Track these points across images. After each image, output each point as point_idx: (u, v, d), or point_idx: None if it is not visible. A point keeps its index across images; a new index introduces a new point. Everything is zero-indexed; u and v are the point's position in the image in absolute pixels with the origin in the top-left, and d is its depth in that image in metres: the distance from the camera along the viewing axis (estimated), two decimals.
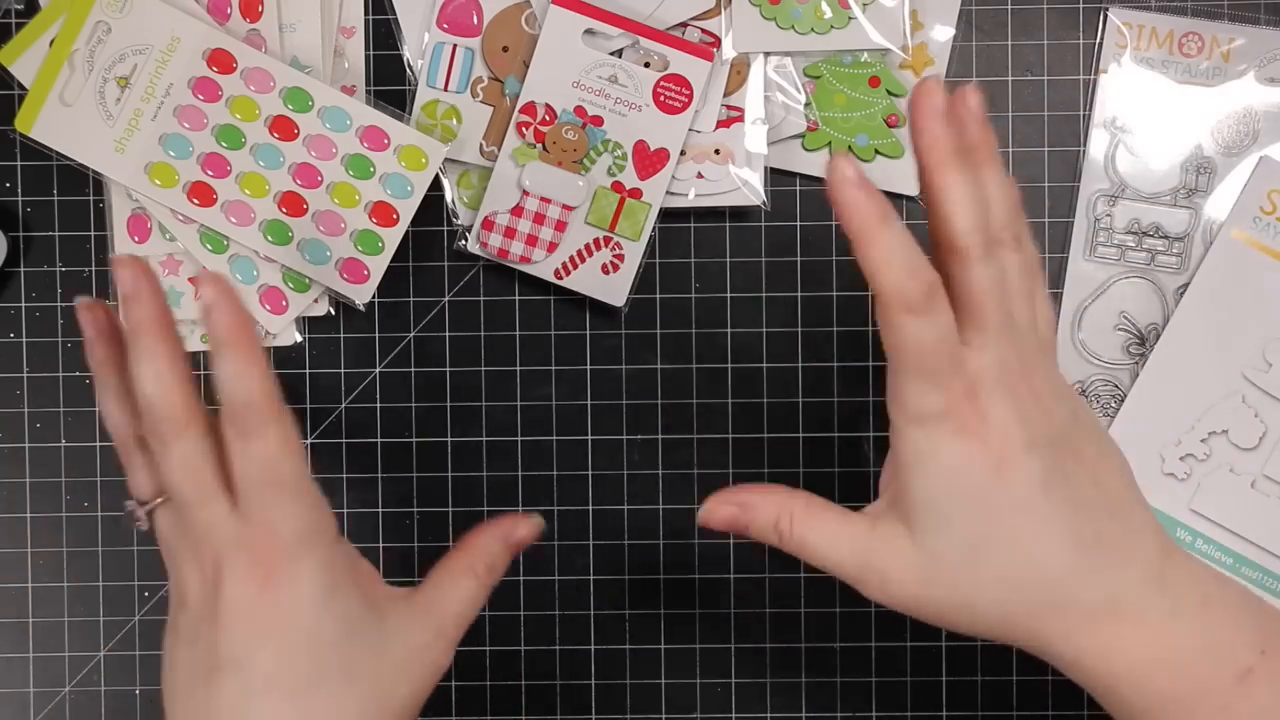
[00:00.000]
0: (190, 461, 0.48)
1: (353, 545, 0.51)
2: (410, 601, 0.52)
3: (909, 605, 0.50)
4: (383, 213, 0.61)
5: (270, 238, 0.61)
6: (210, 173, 0.61)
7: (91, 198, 0.63)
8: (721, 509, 0.52)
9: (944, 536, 0.48)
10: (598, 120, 0.61)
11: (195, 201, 0.61)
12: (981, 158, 0.49)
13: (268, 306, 0.62)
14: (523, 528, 0.55)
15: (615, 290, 0.62)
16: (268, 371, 0.48)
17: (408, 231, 0.61)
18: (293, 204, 0.61)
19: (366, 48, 0.63)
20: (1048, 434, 0.48)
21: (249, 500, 0.49)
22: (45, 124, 0.60)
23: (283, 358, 0.63)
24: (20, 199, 0.63)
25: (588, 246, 0.61)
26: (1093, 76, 0.62)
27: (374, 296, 0.61)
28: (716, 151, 0.61)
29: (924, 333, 0.47)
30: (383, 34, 0.63)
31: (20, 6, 0.62)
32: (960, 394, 0.47)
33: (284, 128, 0.61)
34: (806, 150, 0.62)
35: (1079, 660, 0.51)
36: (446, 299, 0.63)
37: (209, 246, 0.61)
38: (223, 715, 0.48)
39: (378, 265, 0.61)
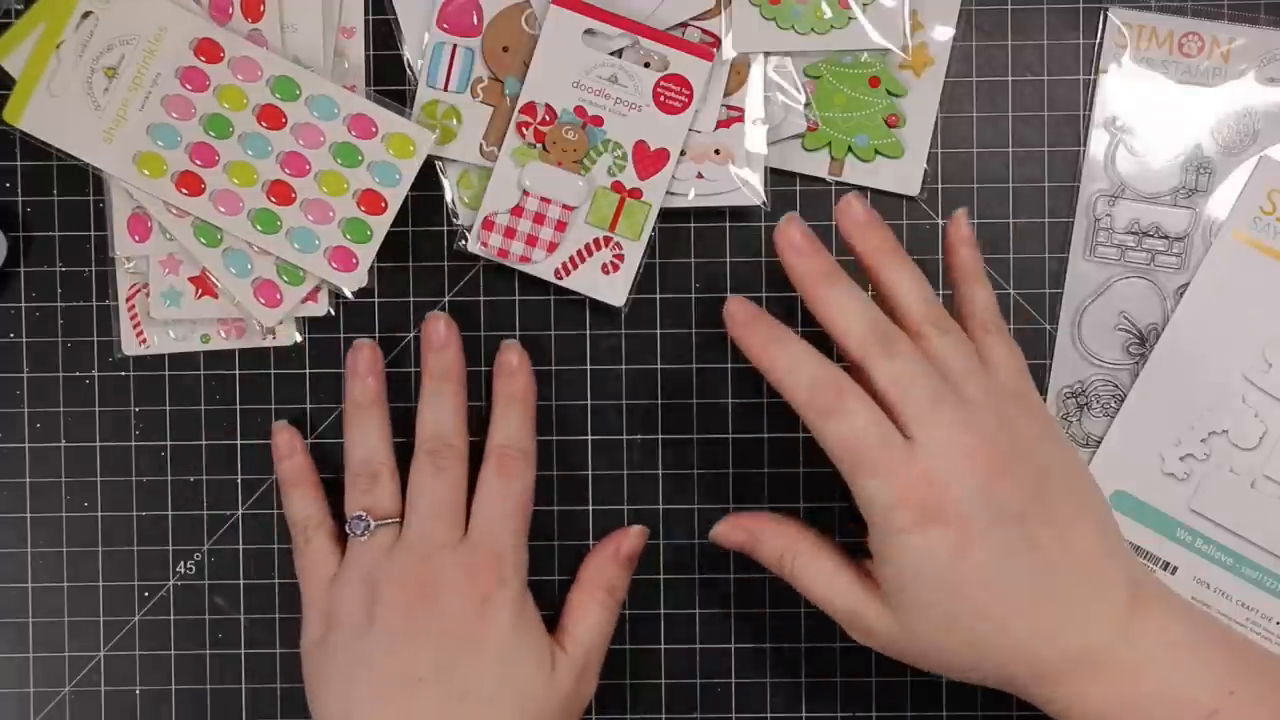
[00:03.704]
0: (460, 489, 0.57)
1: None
2: (558, 641, 0.58)
3: (891, 655, 0.54)
4: (371, 201, 0.61)
5: (259, 226, 0.61)
6: (198, 162, 0.61)
7: (91, 198, 0.63)
8: (734, 533, 0.57)
9: (916, 616, 0.52)
10: (598, 120, 0.61)
11: (184, 191, 0.60)
12: (881, 260, 0.54)
13: (262, 300, 0.62)
14: (628, 541, 0.60)
15: (615, 290, 0.62)
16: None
17: (408, 232, 0.61)
18: (281, 193, 0.61)
19: (366, 48, 0.63)
20: (1013, 505, 0.51)
21: (489, 529, 0.57)
22: (33, 115, 0.60)
23: (283, 358, 0.63)
24: (20, 199, 0.63)
25: (588, 246, 0.61)
26: (1093, 76, 0.62)
27: (374, 297, 0.61)
28: (716, 151, 0.61)
29: (843, 430, 0.50)
30: (383, 34, 0.63)
31: (20, 6, 0.62)
32: (915, 480, 0.50)
33: (271, 116, 0.61)
34: (806, 150, 0.62)
35: (1049, 705, 0.54)
36: (446, 299, 0.63)
37: (202, 240, 0.61)
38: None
39: (366, 253, 0.61)
